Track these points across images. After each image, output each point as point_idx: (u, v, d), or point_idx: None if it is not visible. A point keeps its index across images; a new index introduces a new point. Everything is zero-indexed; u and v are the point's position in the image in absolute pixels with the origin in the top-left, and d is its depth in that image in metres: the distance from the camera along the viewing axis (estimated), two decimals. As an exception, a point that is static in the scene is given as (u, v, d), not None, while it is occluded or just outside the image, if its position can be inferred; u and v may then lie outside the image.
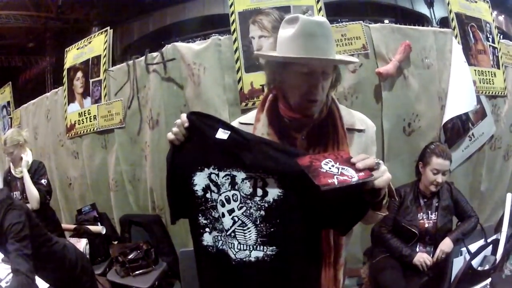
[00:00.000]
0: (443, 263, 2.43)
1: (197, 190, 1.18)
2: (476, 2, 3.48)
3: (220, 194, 1.15)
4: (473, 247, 2.53)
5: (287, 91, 1.29)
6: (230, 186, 1.14)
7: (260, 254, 1.12)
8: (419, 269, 2.41)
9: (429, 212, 2.55)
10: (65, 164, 3.98)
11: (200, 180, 1.17)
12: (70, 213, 3.98)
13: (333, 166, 1.02)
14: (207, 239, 1.18)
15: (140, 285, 2.85)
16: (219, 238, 1.17)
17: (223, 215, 1.14)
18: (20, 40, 8.33)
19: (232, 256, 1.14)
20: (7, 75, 6.50)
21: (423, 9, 7.99)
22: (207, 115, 1.21)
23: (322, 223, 1.14)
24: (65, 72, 3.93)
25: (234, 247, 1.13)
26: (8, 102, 5.12)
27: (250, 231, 1.12)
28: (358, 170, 1.00)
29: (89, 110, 3.64)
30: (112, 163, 3.53)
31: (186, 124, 1.18)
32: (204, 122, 1.18)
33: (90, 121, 3.63)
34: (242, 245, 1.13)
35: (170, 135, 1.21)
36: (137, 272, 2.95)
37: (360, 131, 1.33)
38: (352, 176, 1.00)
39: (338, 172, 1.01)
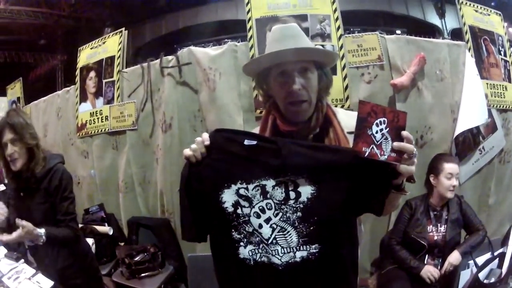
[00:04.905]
0: (451, 276, 2.46)
1: (227, 207, 1.18)
2: (489, 15, 3.49)
3: (253, 207, 1.16)
4: (480, 260, 2.55)
5: (277, 101, 1.34)
6: (262, 197, 1.15)
7: (304, 253, 1.13)
8: (426, 282, 2.43)
9: (439, 224, 2.56)
10: (74, 163, 3.97)
11: (228, 197, 1.17)
12: (78, 213, 3.98)
13: (381, 130, 1.07)
14: (243, 252, 1.18)
15: (145, 288, 2.86)
16: (256, 251, 1.17)
17: (261, 226, 1.15)
18: (32, 37, 8.32)
19: (278, 261, 1.14)
20: (17, 71, 6.49)
21: (435, 20, 7.98)
22: (232, 130, 1.22)
23: (356, 209, 1.16)
24: (77, 71, 3.92)
25: (278, 253, 1.14)
26: (18, 98, 5.11)
27: (290, 234, 1.13)
28: (392, 149, 1.06)
29: (101, 110, 3.64)
30: (123, 164, 3.53)
31: (207, 142, 1.18)
32: (227, 138, 1.19)
33: (102, 122, 3.63)
34: (285, 249, 1.14)
35: (188, 152, 1.20)
36: (143, 274, 2.94)
37: None
38: (384, 153, 1.06)
39: (378, 141, 1.06)
